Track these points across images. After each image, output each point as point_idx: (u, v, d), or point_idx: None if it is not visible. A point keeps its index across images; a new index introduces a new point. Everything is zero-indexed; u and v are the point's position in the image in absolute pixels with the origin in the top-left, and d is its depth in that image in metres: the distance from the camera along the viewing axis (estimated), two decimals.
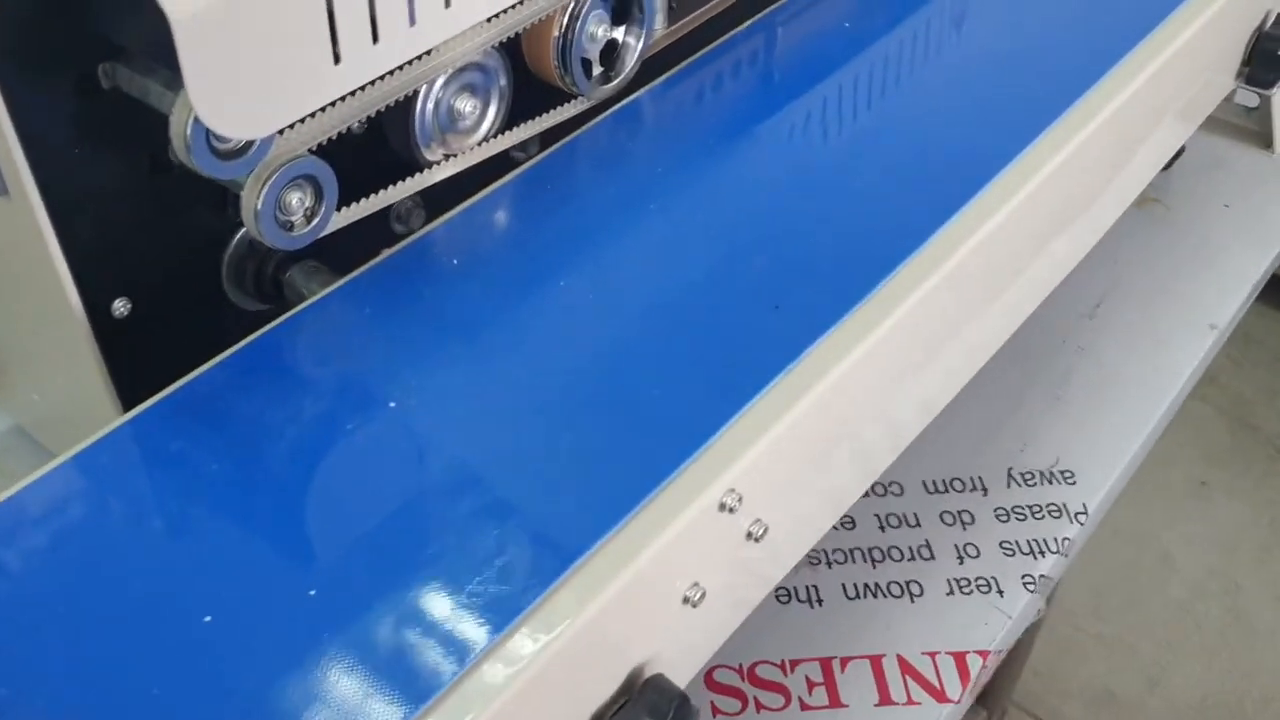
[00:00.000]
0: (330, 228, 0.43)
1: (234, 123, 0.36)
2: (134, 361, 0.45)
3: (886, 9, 0.59)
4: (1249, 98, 0.69)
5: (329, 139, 0.42)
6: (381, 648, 0.33)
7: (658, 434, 0.38)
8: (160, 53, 0.34)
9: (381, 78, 0.41)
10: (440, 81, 0.45)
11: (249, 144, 0.39)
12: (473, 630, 0.33)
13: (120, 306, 0.44)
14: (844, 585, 0.54)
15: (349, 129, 0.42)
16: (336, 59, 0.38)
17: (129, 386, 0.45)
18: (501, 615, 0.33)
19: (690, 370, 0.40)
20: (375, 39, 0.39)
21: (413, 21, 0.40)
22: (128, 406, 0.46)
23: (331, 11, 0.37)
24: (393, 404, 0.39)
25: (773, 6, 0.59)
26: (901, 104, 0.55)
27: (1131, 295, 0.67)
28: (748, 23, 0.58)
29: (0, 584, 0.35)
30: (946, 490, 0.57)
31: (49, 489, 0.37)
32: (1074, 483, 0.58)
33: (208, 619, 0.33)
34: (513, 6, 0.45)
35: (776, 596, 0.53)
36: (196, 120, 0.36)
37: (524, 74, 0.50)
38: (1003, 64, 0.57)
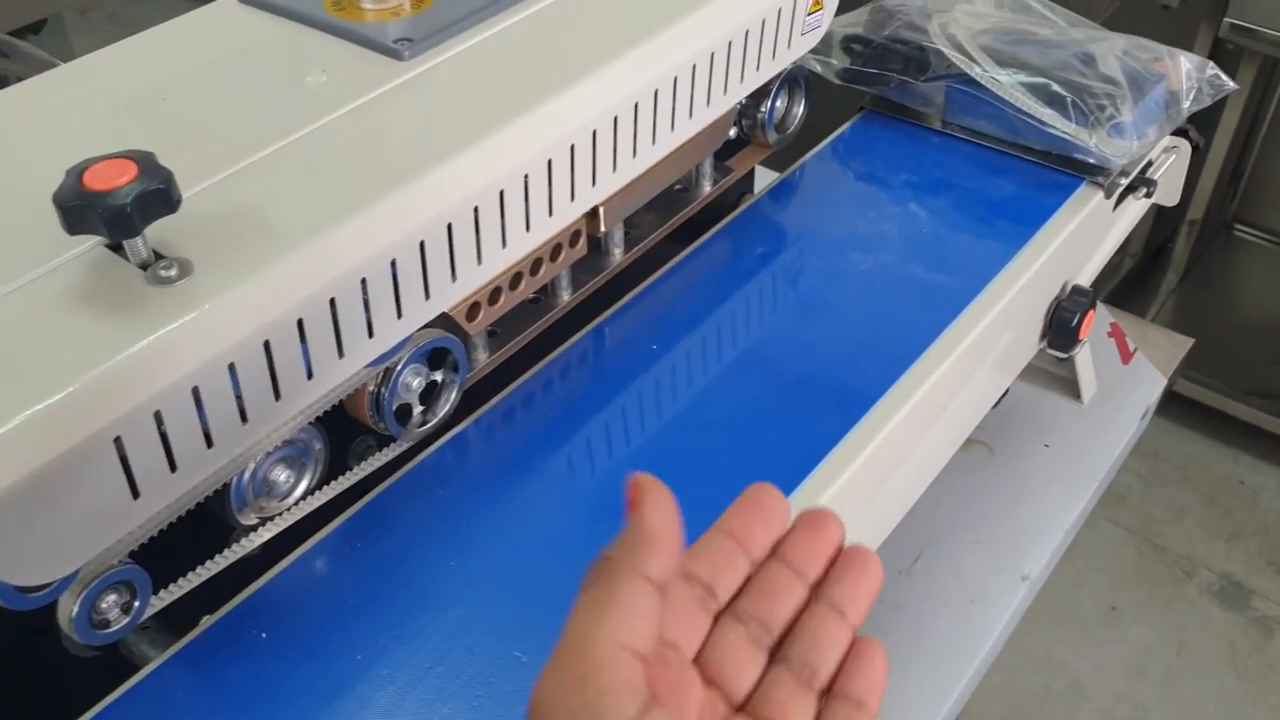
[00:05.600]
0: (148, 614, 0.47)
1: (35, 575, 0.40)
2: None
3: (704, 321, 0.64)
4: (1057, 353, 0.74)
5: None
6: None
7: None
8: None
9: None
10: (251, 466, 0.49)
11: None
12: None
13: None
14: None
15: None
16: (135, 495, 0.42)
17: None
18: None
19: None
20: (173, 469, 0.43)
21: (210, 444, 0.44)
22: None
23: (125, 462, 0.41)
24: None
25: (589, 328, 0.64)
26: (713, 413, 0.60)
27: (948, 545, 0.71)
28: (571, 340, 0.63)
29: None
30: None
31: None
32: None
33: None
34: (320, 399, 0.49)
35: None
36: None
37: (343, 419, 0.54)
38: (824, 359, 0.62)
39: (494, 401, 0.59)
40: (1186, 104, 0.73)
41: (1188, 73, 0.73)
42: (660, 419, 0.59)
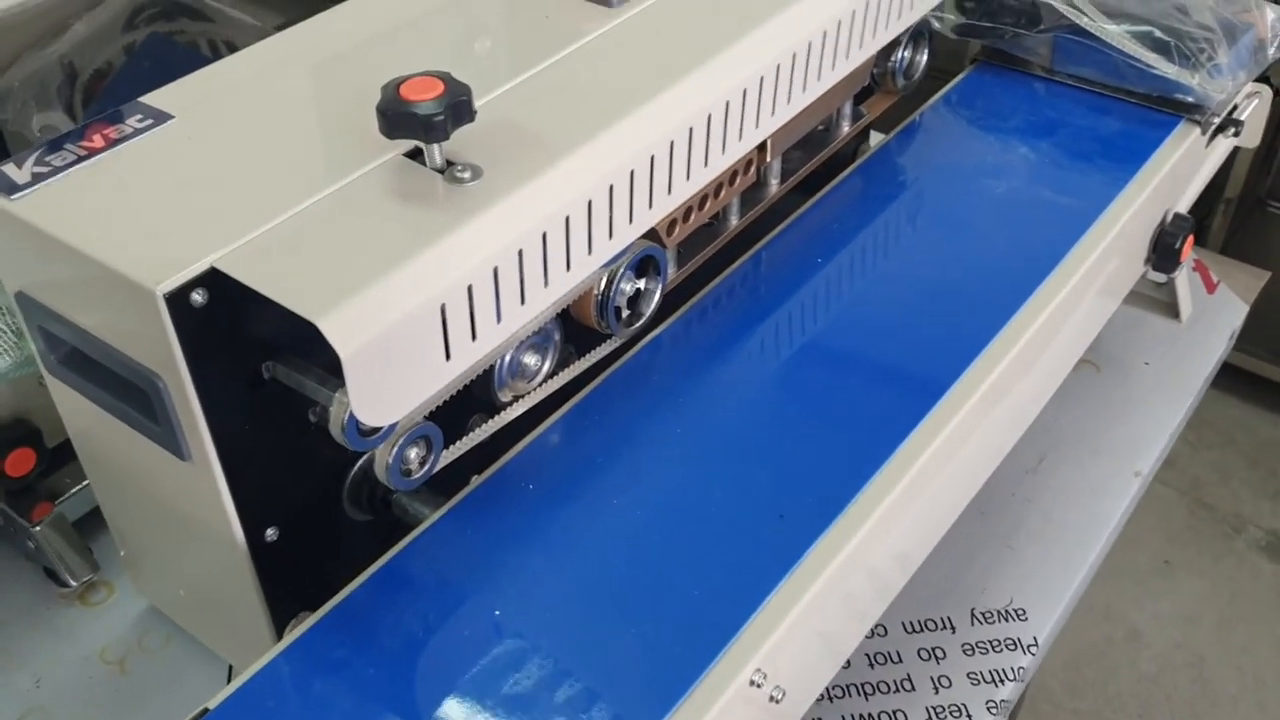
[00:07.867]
0: (439, 467, 0.56)
1: (380, 416, 0.49)
2: (277, 570, 0.57)
3: (852, 241, 0.72)
4: (1159, 275, 0.82)
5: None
6: None
7: (701, 627, 0.50)
8: (308, 357, 0.49)
9: None
10: (514, 348, 0.58)
11: None
12: None
13: (271, 533, 0.56)
14: (843, 717, 0.66)
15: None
16: (448, 357, 0.51)
17: (272, 590, 0.58)
18: None
19: (720, 573, 0.53)
20: (474, 338, 0.52)
21: (499, 320, 0.53)
22: (270, 604, 0.58)
23: (445, 328, 0.50)
24: (497, 612, 0.51)
25: (755, 248, 0.72)
26: (868, 318, 0.68)
27: (1068, 450, 0.79)
28: (739, 261, 0.71)
29: None
30: (921, 630, 0.70)
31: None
32: (1025, 619, 0.70)
33: None
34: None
35: None
36: (350, 415, 0.49)
37: (569, 320, 0.63)
38: (960, 276, 0.70)
39: (683, 309, 0.68)
40: (1272, 50, 0.81)
41: (1272, 23, 0.81)
42: (819, 323, 0.67)
